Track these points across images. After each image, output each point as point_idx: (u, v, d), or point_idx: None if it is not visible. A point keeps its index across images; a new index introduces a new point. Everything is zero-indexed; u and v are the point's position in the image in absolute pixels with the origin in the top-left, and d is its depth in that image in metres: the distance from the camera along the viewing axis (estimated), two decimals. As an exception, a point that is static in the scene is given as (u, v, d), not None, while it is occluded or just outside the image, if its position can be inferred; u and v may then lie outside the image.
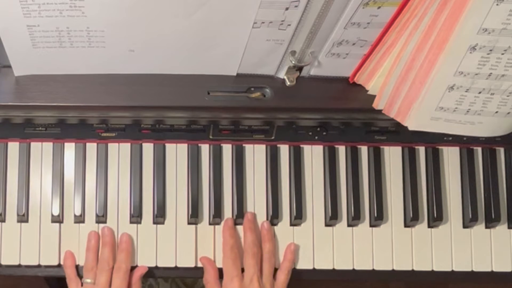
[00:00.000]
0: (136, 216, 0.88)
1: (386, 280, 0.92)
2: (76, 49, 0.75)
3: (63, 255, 0.87)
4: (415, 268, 0.90)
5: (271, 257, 0.87)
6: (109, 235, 0.87)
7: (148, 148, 0.90)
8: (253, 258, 0.85)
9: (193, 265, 0.89)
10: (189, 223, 0.89)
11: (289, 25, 0.73)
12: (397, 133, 0.92)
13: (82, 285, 0.85)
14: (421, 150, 0.94)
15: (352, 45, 0.77)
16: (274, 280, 0.86)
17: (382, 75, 0.79)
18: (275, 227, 0.90)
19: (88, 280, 0.84)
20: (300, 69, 0.83)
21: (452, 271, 0.91)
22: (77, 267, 0.87)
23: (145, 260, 0.88)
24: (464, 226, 0.92)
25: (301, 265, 0.90)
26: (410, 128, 0.81)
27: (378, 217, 0.90)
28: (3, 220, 0.88)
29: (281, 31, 0.74)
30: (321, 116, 0.88)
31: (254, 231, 0.87)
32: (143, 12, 0.69)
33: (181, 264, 0.88)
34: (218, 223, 0.90)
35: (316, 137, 0.92)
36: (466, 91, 0.75)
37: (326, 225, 0.91)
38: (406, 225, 0.92)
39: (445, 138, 0.92)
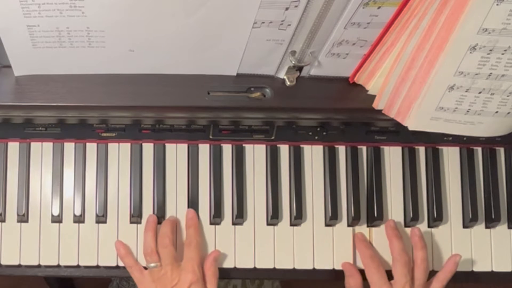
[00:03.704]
0: (136, 216, 0.88)
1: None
2: (76, 49, 0.76)
3: (115, 246, 0.86)
4: (415, 268, 0.90)
5: (425, 265, 0.85)
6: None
7: (148, 148, 0.90)
8: (405, 266, 0.83)
9: (193, 265, 0.89)
10: (189, 223, 0.90)
11: (289, 25, 0.73)
12: (397, 133, 0.92)
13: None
14: (421, 150, 0.94)
15: (352, 45, 0.77)
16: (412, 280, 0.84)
17: (382, 75, 0.79)
18: (275, 227, 0.90)
19: (152, 264, 0.83)
20: (300, 69, 0.83)
21: (452, 271, 0.91)
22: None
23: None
24: (464, 226, 0.92)
25: (301, 265, 0.90)
26: (410, 128, 0.81)
27: (378, 217, 0.90)
28: (3, 220, 0.88)
29: (281, 31, 0.74)
30: (321, 116, 0.88)
31: (401, 238, 0.86)
32: (143, 12, 0.69)
33: (181, 264, 0.88)
34: (218, 223, 0.90)
35: (316, 137, 0.92)
36: (466, 91, 0.75)
37: (326, 225, 0.91)
38: (406, 225, 0.92)
39: (445, 138, 0.92)
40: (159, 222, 0.88)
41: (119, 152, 0.90)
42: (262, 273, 0.90)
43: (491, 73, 0.72)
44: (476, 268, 0.91)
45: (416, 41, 0.72)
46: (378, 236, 0.91)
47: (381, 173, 0.92)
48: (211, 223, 0.90)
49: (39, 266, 0.87)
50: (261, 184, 0.91)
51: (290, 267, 0.90)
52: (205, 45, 0.76)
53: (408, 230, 0.91)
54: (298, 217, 0.89)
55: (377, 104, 0.82)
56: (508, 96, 0.75)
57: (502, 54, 0.70)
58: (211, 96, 0.83)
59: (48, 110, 0.82)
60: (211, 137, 0.91)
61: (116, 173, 0.89)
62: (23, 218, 0.87)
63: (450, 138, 0.92)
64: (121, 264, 0.87)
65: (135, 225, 0.89)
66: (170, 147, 0.90)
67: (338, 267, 0.90)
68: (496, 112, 0.78)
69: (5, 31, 0.72)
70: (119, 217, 0.89)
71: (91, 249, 0.87)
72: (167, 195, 0.89)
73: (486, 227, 0.93)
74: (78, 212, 0.88)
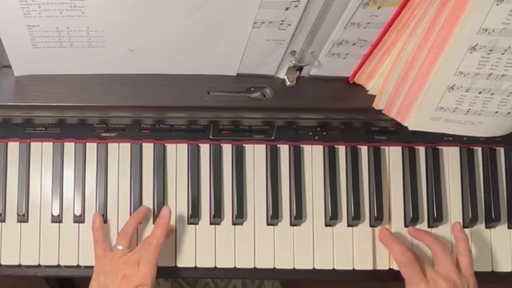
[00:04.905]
0: (136, 216, 0.88)
1: (386, 280, 0.91)
2: (76, 49, 0.75)
3: (92, 217, 0.85)
4: (415, 268, 0.90)
5: (468, 253, 0.85)
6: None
7: (148, 148, 0.90)
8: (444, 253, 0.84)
9: (193, 265, 0.89)
10: (189, 223, 0.89)
11: (289, 25, 0.73)
12: (397, 133, 0.92)
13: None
14: (421, 150, 0.94)
15: (352, 45, 0.77)
16: (458, 268, 0.84)
17: (382, 75, 0.79)
18: (275, 227, 0.90)
19: (120, 247, 0.82)
20: (300, 69, 0.83)
21: (452, 271, 0.91)
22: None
23: (145, 260, 0.88)
24: (464, 226, 0.92)
25: (301, 265, 0.90)
26: (410, 128, 0.81)
27: (378, 217, 0.90)
28: (3, 220, 0.88)
29: (281, 31, 0.74)
30: (321, 116, 0.88)
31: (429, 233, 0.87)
32: (143, 12, 0.69)
33: (181, 264, 0.88)
34: (218, 223, 0.90)
35: (316, 137, 0.92)
36: (466, 91, 0.75)
37: (326, 225, 0.91)
38: (406, 225, 0.92)
39: (445, 138, 0.92)
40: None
41: (119, 152, 0.90)
42: (262, 273, 0.90)
43: (491, 73, 0.72)
44: (476, 268, 0.90)
45: (416, 41, 0.72)
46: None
47: (381, 173, 0.92)
48: (211, 223, 0.90)
49: (39, 266, 0.87)
50: (261, 184, 0.91)
51: (290, 267, 0.90)
52: (205, 45, 0.76)
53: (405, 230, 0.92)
54: (298, 217, 0.89)
55: (377, 104, 0.82)
56: (508, 96, 0.75)
57: (502, 54, 0.70)
58: (211, 96, 0.83)
59: (48, 110, 0.82)
60: (211, 137, 0.91)
61: (116, 173, 0.89)
62: (23, 218, 0.87)
63: (450, 138, 0.92)
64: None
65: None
66: (170, 147, 0.90)
67: (337, 267, 0.90)
68: (496, 112, 0.78)
69: (5, 31, 0.72)
70: (119, 217, 0.88)
71: (91, 249, 0.87)
72: (167, 195, 0.90)
73: (486, 227, 0.93)
74: (78, 212, 0.88)
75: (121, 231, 0.84)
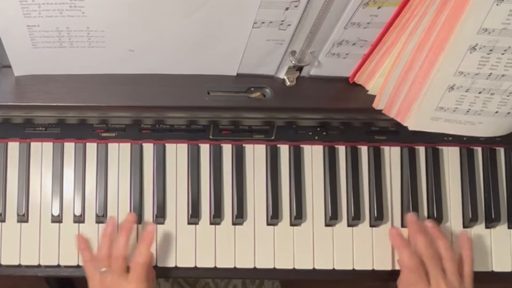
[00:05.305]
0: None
1: (386, 280, 0.91)
2: (76, 49, 0.75)
3: (76, 240, 0.86)
4: (415, 268, 0.90)
5: (449, 252, 0.84)
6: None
7: (148, 148, 0.90)
8: (431, 260, 0.82)
9: (193, 265, 0.89)
10: (189, 223, 0.89)
11: (289, 25, 0.73)
12: (397, 133, 0.92)
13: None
14: (421, 150, 0.94)
15: (352, 45, 0.77)
16: (460, 275, 0.84)
17: (382, 75, 0.79)
18: (275, 227, 0.90)
19: (103, 269, 0.82)
20: (300, 69, 0.83)
21: (452, 271, 0.91)
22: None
23: (145, 260, 0.88)
24: (464, 226, 0.92)
25: (301, 265, 0.90)
26: (410, 128, 0.81)
27: (378, 217, 0.90)
28: (3, 220, 0.88)
29: (281, 31, 0.74)
30: (321, 116, 0.88)
31: (424, 233, 0.85)
32: (143, 12, 0.69)
33: (181, 264, 0.88)
34: (218, 223, 0.90)
35: (316, 137, 0.92)
36: (466, 91, 0.75)
37: (326, 225, 0.91)
38: (405, 225, 0.92)
39: (445, 138, 0.92)
40: (160, 222, 0.89)
41: (119, 152, 0.90)
42: (262, 273, 0.90)
43: (491, 73, 0.72)
44: (476, 268, 0.91)
45: (416, 41, 0.72)
46: (380, 236, 0.91)
47: (381, 173, 0.92)
48: (211, 223, 0.90)
49: (39, 266, 0.87)
50: (261, 184, 0.91)
51: (290, 267, 0.90)
52: (205, 45, 0.76)
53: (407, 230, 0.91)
54: (298, 217, 0.89)
55: (377, 104, 0.82)
56: (508, 96, 0.75)
57: (502, 54, 0.70)
58: (211, 96, 0.83)
59: (48, 110, 0.82)
60: (211, 137, 0.91)
61: (116, 173, 0.89)
62: (23, 218, 0.87)
63: (450, 138, 0.92)
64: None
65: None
66: (170, 147, 0.90)
67: (337, 267, 0.90)
68: (496, 112, 0.78)
69: (5, 31, 0.72)
70: (119, 217, 0.88)
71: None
72: (167, 195, 0.89)
73: (486, 227, 0.93)
74: (78, 212, 0.88)
75: (97, 255, 0.84)
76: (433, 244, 0.85)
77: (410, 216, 0.88)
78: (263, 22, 0.72)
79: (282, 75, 0.84)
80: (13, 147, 0.89)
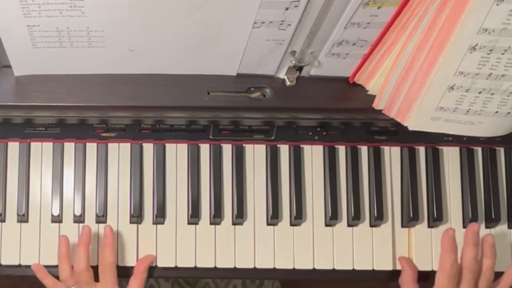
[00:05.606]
0: (136, 216, 0.88)
1: (386, 280, 0.91)
2: (76, 49, 0.75)
3: (33, 269, 0.85)
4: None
5: (491, 274, 0.84)
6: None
7: (148, 148, 0.90)
8: (470, 273, 0.82)
9: (193, 265, 0.89)
10: (189, 223, 0.89)
11: (289, 25, 0.73)
12: (397, 133, 0.92)
13: None
14: (421, 150, 0.94)
15: (352, 45, 0.77)
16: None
17: (382, 75, 0.79)
18: (275, 227, 0.90)
19: (73, 287, 0.83)
20: (300, 69, 0.83)
21: (452, 271, 0.91)
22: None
23: (145, 260, 0.88)
24: (464, 226, 0.92)
25: (301, 265, 0.90)
26: (410, 128, 0.81)
27: (378, 217, 0.90)
28: (3, 220, 0.88)
29: (281, 31, 0.74)
30: (321, 116, 0.88)
31: (476, 246, 0.84)
32: (143, 12, 0.69)
33: (181, 264, 0.88)
34: (218, 223, 0.90)
35: (316, 137, 0.92)
36: (466, 91, 0.75)
37: (326, 225, 0.91)
38: (405, 225, 0.92)
39: (445, 138, 0.92)
40: (160, 222, 0.89)
41: (119, 152, 0.90)
42: (262, 273, 0.90)
43: (491, 73, 0.72)
44: (476, 268, 0.91)
45: (416, 41, 0.72)
46: (379, 236, 0.91)
47: (381, 173, 0.92)
48: (211, 223, 0.90)
49: (39, 266, 0.87)
50: (261, 184, 0.91)
51: (290, 267, 0.90)
52: (205, 45, 0.76)
53: (407, 230, 0.91)
54: (298, 217, 0.89)
55: (377, 104, 0.82)
56: (508, 96, 0.75)
57: (502, 54, 0.70)
58: (211, 96, 0.83)
59: (48, 110, 0.82)
60: (211, 137, 0.91)
61: (116, 173, 0.89)
62: (23, 218, 0.87)
63: (450, 138, 0.92)
64: (121, 263, 0.87)
65: (135, 225, 0.89)
66: (170, 147, 0.90)
67: (337, 267, 0.90)
68: (496, 112, 0.78)
69: (5, 31, 0.72)
70: (119, 217, 0.89)
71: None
72: (167, 195, 0.89)
73: (486, 227, 0.93)
74: (78, 212, 0.88)
75: (60, 276, 0.83)
76: (479, 257, 0.84)
77: (473, 227, 0.85)
78: (263, 22, 0.72)
79: (282, 75, 0.84)
80: (13, 147, 0.89)
